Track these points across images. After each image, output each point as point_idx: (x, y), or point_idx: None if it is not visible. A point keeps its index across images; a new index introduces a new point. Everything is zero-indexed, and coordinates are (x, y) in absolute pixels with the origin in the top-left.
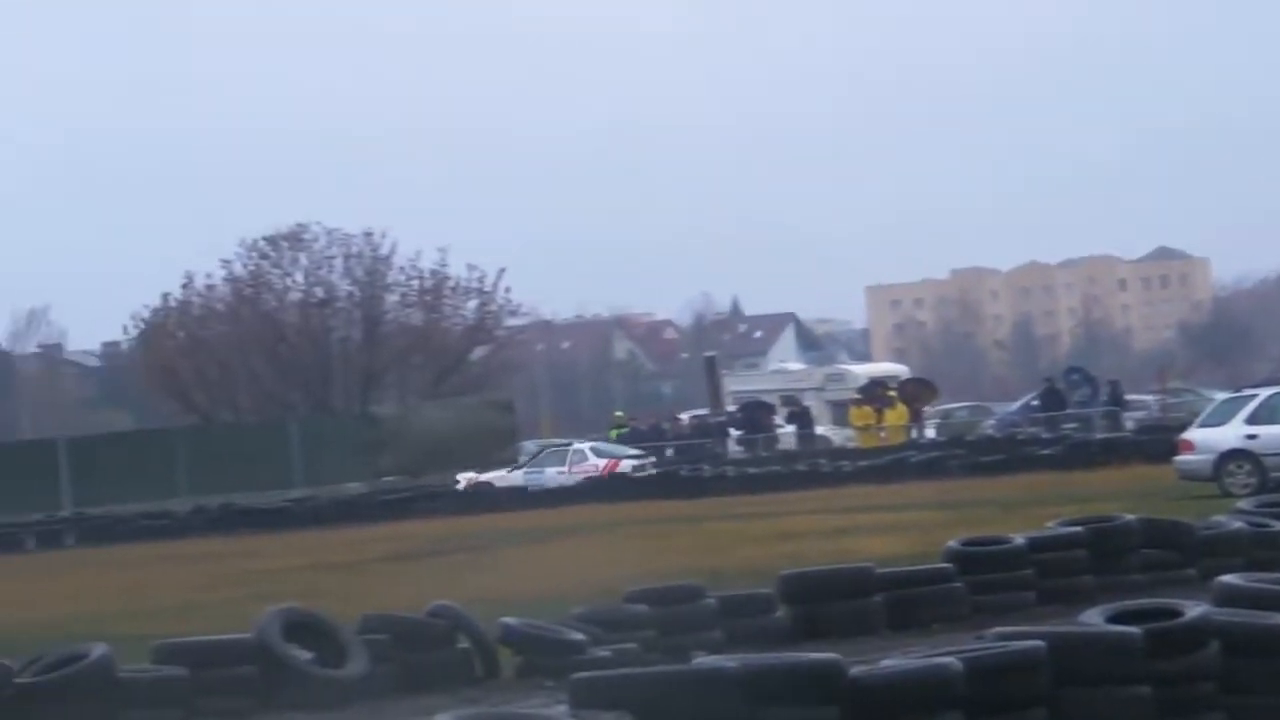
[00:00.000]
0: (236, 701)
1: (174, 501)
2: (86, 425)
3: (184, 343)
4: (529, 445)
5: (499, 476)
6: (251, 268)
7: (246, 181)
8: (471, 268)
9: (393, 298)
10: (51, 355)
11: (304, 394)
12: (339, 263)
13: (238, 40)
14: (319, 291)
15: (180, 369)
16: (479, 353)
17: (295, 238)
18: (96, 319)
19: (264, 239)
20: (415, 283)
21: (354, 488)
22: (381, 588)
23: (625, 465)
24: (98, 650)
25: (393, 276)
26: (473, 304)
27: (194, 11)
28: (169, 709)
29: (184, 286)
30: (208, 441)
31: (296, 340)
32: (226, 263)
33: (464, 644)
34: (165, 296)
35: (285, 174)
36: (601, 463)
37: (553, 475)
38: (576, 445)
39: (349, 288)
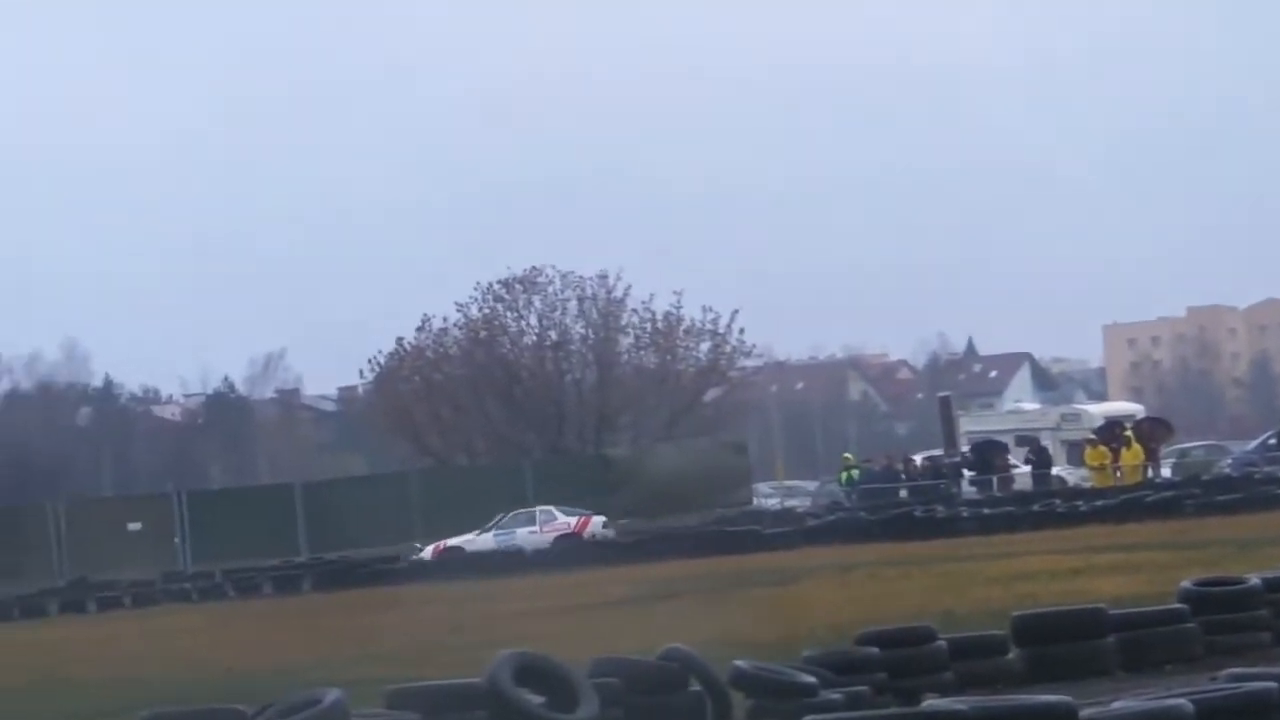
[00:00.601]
0: None
1: (409, 545)
2: (323, 469)
3: (419, 386)
4: (762, 487)
5: (468, 540)
6: (486, 311)
7: (481, 225)
8: (705, 309)
9: (626, 340)
10: (288, 400)
11: (538, 436)
12: (573, 305)
13: (464, 86)
14: (553, 334)
15: (415, 412)
16: (712, 394)
17: (529, 281)
18: (333, 364)
19: (498, 282)
20: (649, 325)
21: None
22: (614, 631)
23: (595, 523)
24: (331, 695)
25: (626, 319)
26: (706, 346)
27: (421, 58)
28: None
29: (419, 330)
30: (442, 484)
31: (531, 383)
32: (461, 306)
33: (696, 687)
34: (400, 341)
35: (520, 218)
36: (572, 521)
37: (524, 536)
38: (543, 507)
39: (583, 330)
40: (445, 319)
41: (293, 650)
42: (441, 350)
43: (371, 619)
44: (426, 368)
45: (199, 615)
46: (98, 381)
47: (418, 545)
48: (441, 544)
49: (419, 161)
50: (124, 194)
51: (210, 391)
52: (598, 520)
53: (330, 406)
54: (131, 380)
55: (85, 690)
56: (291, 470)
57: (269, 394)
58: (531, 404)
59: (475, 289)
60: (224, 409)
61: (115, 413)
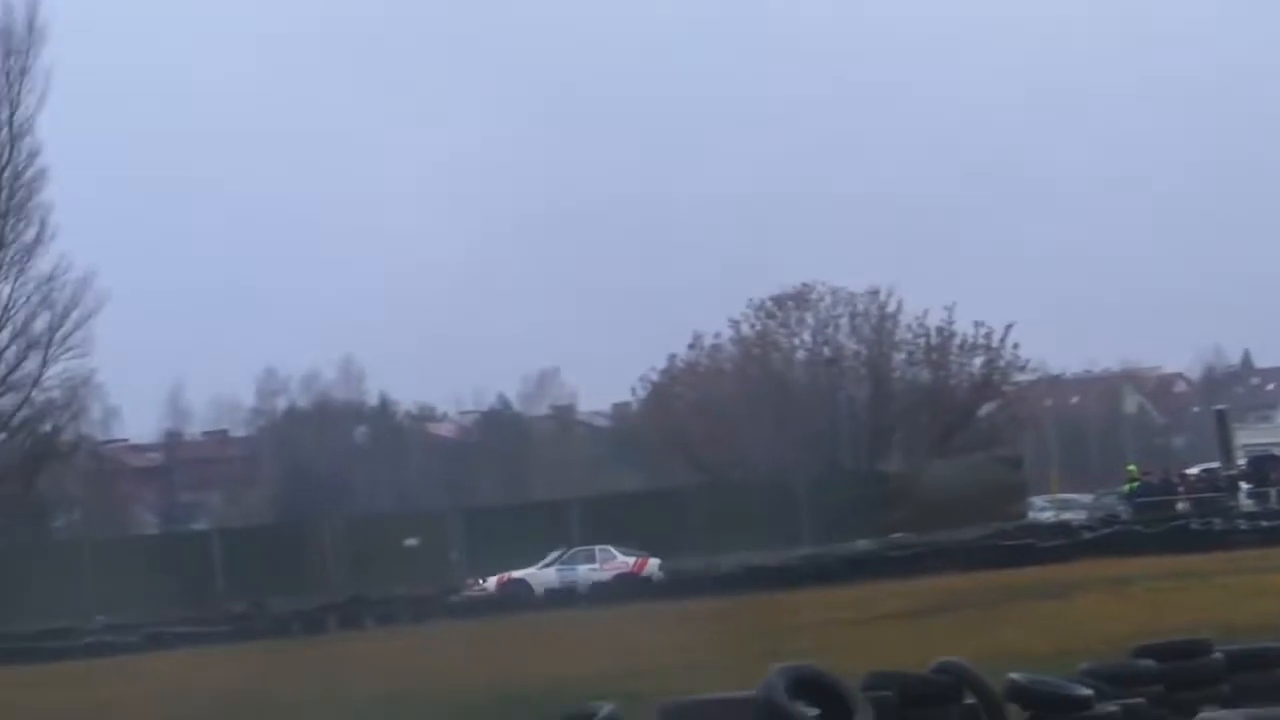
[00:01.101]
0: None
1: (684, 560)
2: (597, 485)
3: (692, 403)
4: (1037, 501)
5: (531, 574)
6: (759, 328)
7: (753, 241)
8: (978, 324)
9: (899, 356)
10: (563, 416)
11: (811, 452)
12: (845, 322)
13: (733, 105)
14: (826, 350)
15: (688, 428)
16: (986, 409)
17: (801, 297)
18: (606, 380)
19: (770, 299)
20: (921, 340)
21: (862, 544)
22: (889, 644)
23: (653, 564)
24: (605, 709)
25: (899, 334)
26: (979, 360)
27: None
28: None
29: (691, 347)
30: (716, 500)
31: (803, 399)
32: (734, 323)
33: (970, 700)
34: (672, 357)
35: (792, 234)
36: (631, 561)
37: (584, 573)
38: (602, 546)
39: (855, 346)
40: (717, 335)
41: (567, 665)
42: (715, 367)
43: (644, 633)
44: (700, 384)
45: (475, 630)
46: (374, 399)
47: (480, 580)
48: (506, 575)
49: (689, 176)
50: (400, 213)
51: (485, 408)
52: (654, 562)
53: (604, 423)
54: (407, 398)
55: (358, 706)
56: (566, 486)
57: (543, 410)
58: (805, 420)
59: (748, 305)
60: (499, 426)
61: (391, 430)
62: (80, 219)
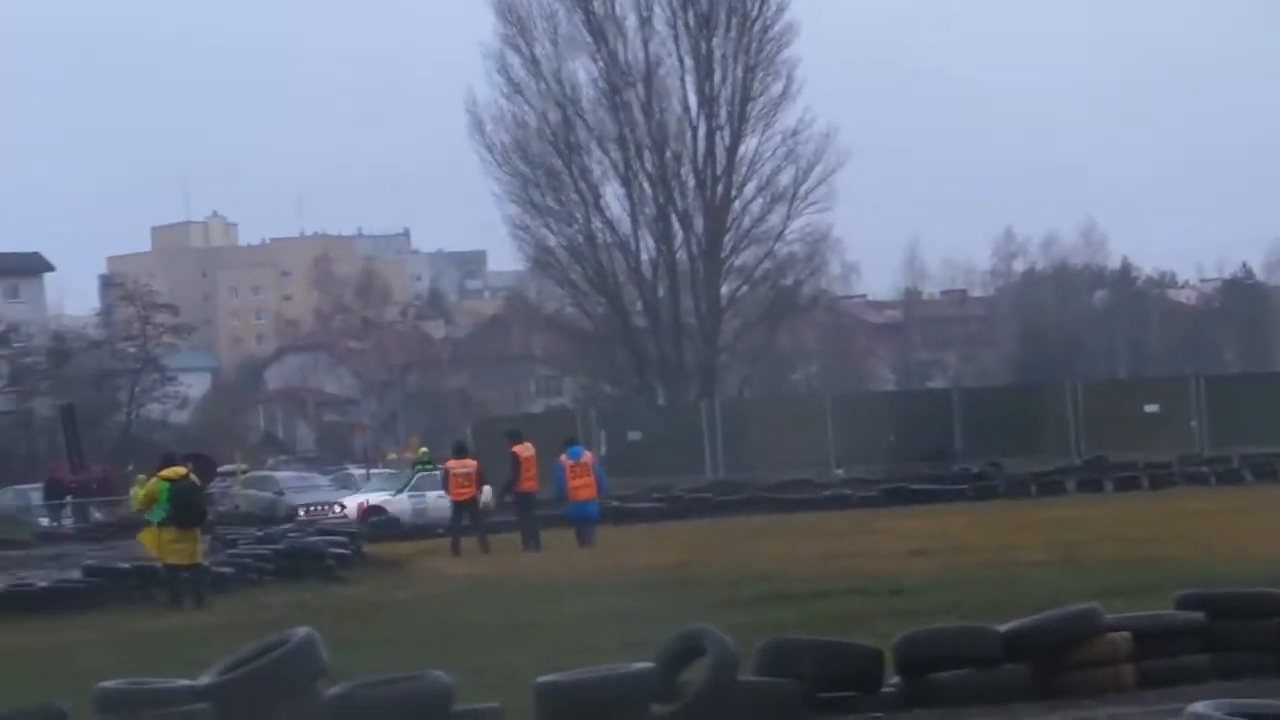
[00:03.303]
0: None
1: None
2: None
3: None
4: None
5: (387, 500)
6: None
7: None
8: None
9: None
10: None
11: None
12: None
13: None
14: None
15: None
16: None
17: None
18: None
19: None
20: None
21: None
22: None
23: (486, 491)
24: None
25: None
26: None
27: None
28: None
29: None
30: None
31: None
32: None
33: None
34: None
35: None
36: None
37: (433, 499)
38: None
39: None
40: None
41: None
42: None
43: None
44: None
45: (1215, 499)
46: (1114, 263)
47: (341, 505)
48: (365, 501)
49: None
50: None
51: (1227, 276)
52: (487, 489)
53: None
54: (1147, 263)
55: (1106, 568)
56: None
57: None
58: None
59: None
60: (1241, 293)
61: (1131, 295)
62: (825, 75)
